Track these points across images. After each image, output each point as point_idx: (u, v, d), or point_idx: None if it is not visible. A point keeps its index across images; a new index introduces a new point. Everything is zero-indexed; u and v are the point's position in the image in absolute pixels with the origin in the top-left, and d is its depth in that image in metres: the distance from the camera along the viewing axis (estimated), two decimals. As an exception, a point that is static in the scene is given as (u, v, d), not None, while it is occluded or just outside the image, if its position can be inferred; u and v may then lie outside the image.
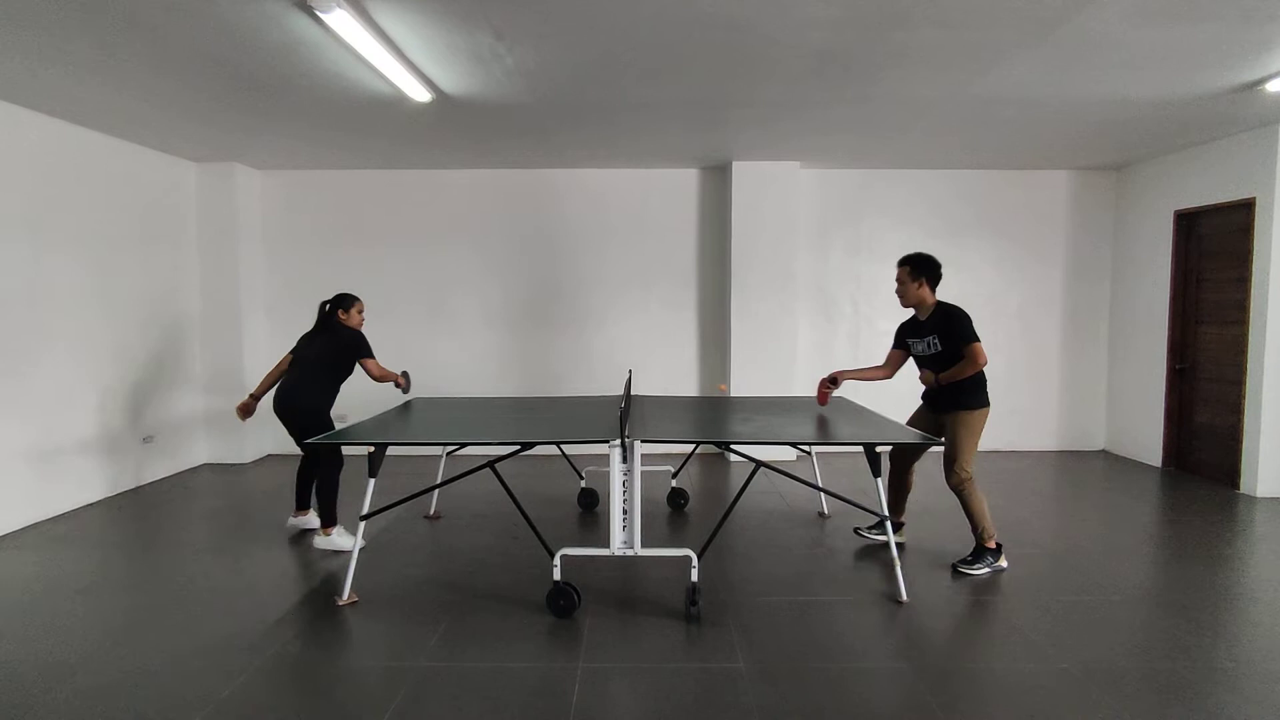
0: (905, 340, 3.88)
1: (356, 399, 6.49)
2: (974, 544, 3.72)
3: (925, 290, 3.71)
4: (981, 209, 6.49)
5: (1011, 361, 6.58)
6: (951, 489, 3.64)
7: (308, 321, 6.48)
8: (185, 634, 2.95)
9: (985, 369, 3.62)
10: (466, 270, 6.47)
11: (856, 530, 4.26)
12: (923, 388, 3.84)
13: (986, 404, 3.67)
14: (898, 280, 3.78)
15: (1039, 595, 3.32)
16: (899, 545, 3.98)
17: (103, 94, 4.11)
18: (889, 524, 3.35)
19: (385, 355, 6.50)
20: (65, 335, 4.71)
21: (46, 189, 4.58)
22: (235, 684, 2.55)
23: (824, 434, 3.41)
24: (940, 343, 3.65)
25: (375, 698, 2.46)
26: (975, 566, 3.61)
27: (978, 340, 3.56)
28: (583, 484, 4.86)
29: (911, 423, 3.89)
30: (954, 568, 3.65)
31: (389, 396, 6.46)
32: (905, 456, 4.02)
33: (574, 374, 6.54)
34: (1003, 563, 3.67)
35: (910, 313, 3.88)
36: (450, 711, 2.38)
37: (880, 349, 6.56)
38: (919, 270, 3.71)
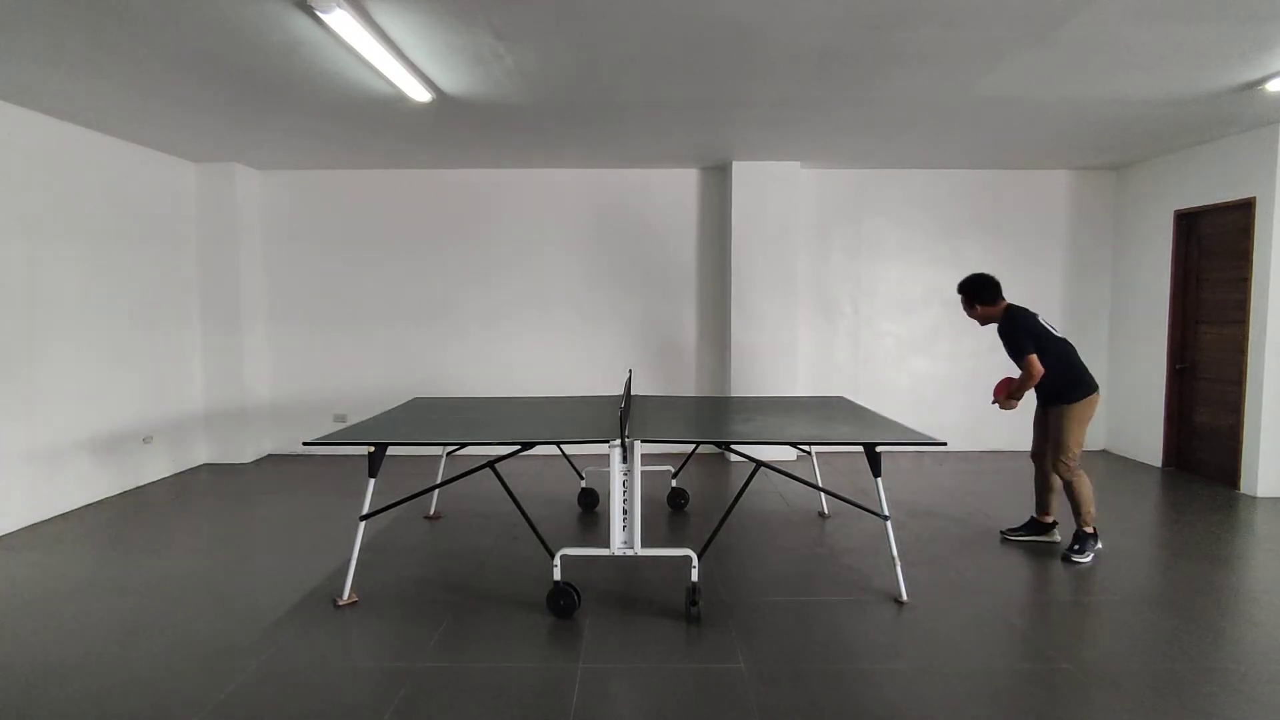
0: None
1: (357, 398, 6.51)
2: (1075, 531, 3.89)
3: (984, 309, 3.95)
4: (981, 209, 6.49)
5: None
6: (1059, 476, 3.87)
7: (308, 321, 6.51)
8: (185, 635, 2.95)
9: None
10: (466, 270, 6.47)
11: (1003, 535, 4.18)
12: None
13: (1085, 395, 3.82)
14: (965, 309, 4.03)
15: (1039, 595, 3.32)
16: (1051, 543, 4.07)
17: (102, 94, 4.11)
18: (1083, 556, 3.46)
19: (386, 356, 6.51)
20: (65, 335, 4.71)
21: (46, 189, 4.58)
22: (235, 684, 2.55)
23: (824, 434, 3.40)
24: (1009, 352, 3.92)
25: (375, 698, 2.46)
26: (1083, 555, 3.78)
27: (1031, 352, 3.76)
28: (583, 484, 4.85)
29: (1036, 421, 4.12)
30: (1065, 559, 3.80)
31: (389, 397, 6.47)
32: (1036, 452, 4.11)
33: (574, 374, 6.54)
34: (1099, 544, 3.91)
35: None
36: (450, 712, 2.38)
37: (880, 349, 6.57)
38: (975, 294, 3.95)
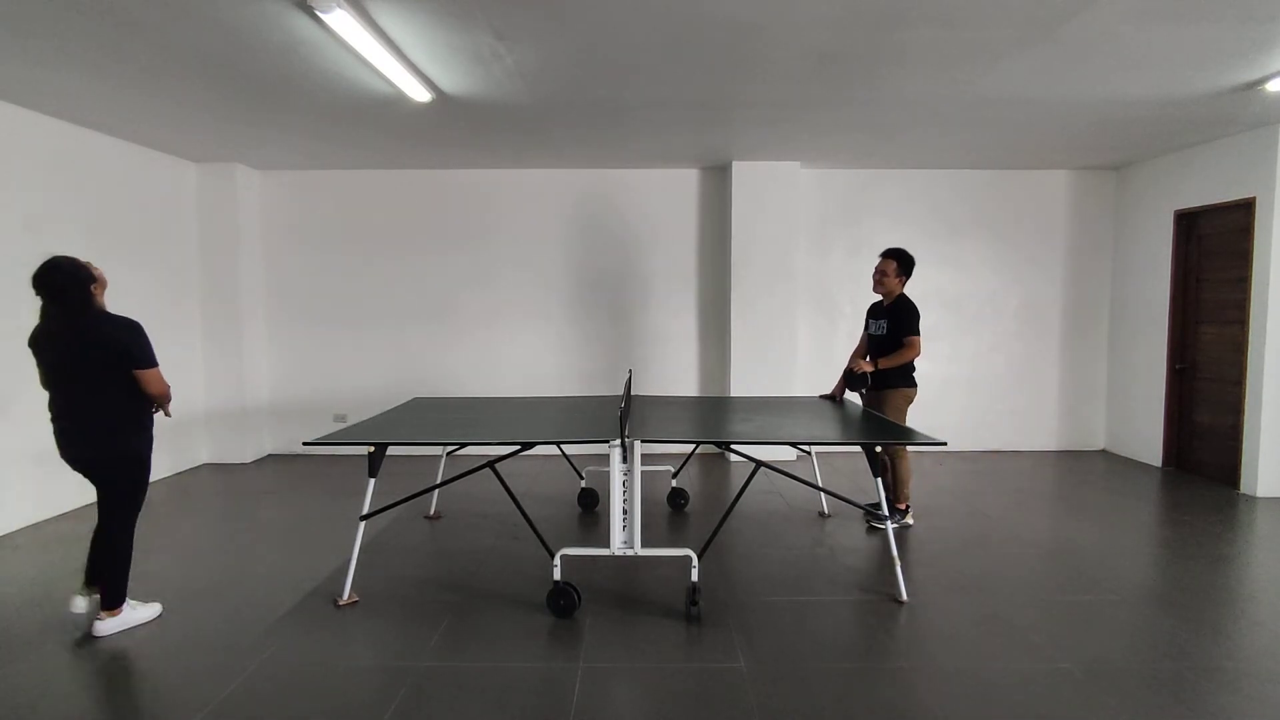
0: (867, 319, 4.57)
1: (357, 398, 6.51)
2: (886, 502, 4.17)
3: (899, 281, 4.36)
4: (981, 209, 6.49)
5: (1011, 361, 6.58)
6: (889, 455, 4.27)
7: (308, 321, 6.51)
8: (185, 634, 2.95)
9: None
10: (466, 271, 6.47)
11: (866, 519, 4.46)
12: (848, 367, 4.46)
13: (912, 384, 4.31)
14: (882, 271, 4.36)
15: (1039, 595, 3.32)
16: (907, 526, 4.34)
17: (103, 94, 4.11)
18: (888, 522, 3.38)
19: (386, 356, 6.51)
20: (65, 335, 4.71)
21: (48, 189, 4.58)
22: (236, 684, 2.55)
23: (824, 434, 3.40)
24: (887, 328, 4.32)
25: (376, 697, 2.46)
26: (883, 523, 4.02)
27: (918, 334, 4.24)
28: (583, 484, 4.86)
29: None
30: (870, 525, 4.34)
31: (389, 397, 6.46)
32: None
33: (574, 374, 6.54)
34: (909, 520, 4.34)
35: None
36: (450, 711, 2.38)
37: (880, 349, 6.57)
38: (905, 266, 4.36)
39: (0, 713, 2.39)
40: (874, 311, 4.50)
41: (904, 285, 4.36)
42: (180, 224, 5.90)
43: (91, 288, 2.90)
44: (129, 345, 2.86)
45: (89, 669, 2.66)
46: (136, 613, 3.02)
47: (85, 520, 4.52)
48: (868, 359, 4.35)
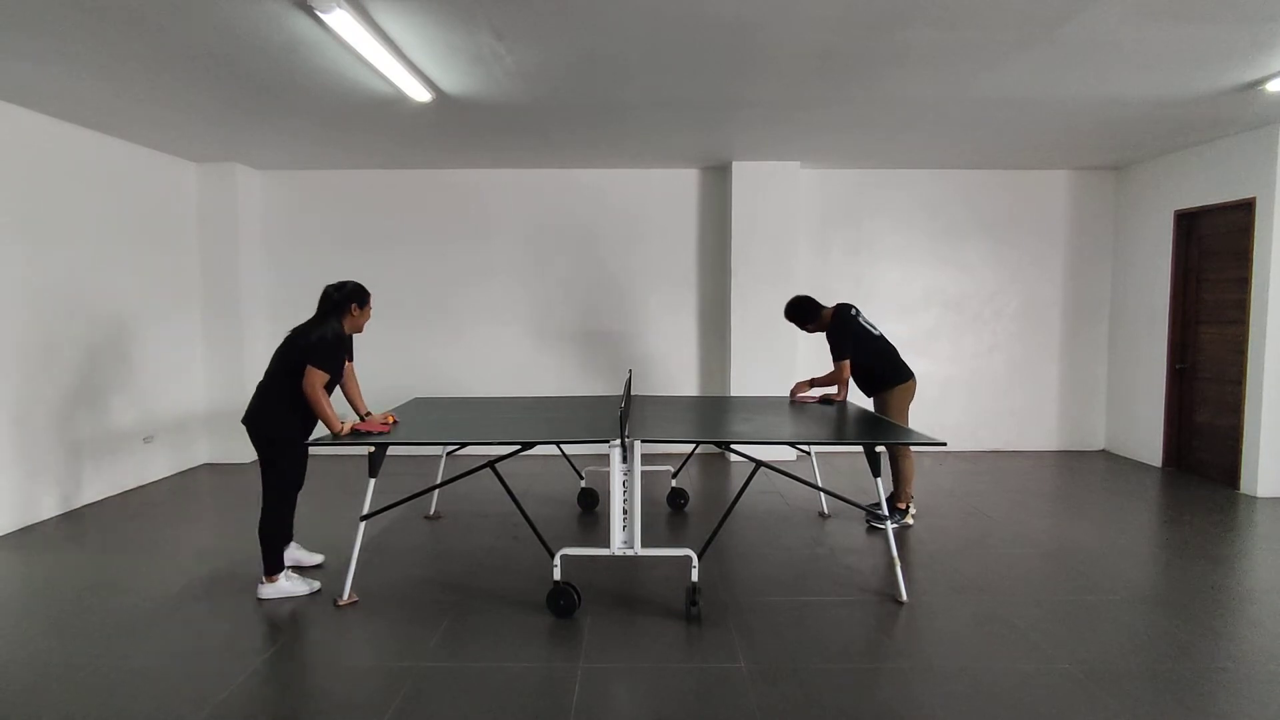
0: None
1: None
2: (887, 502, 4.07)
3: (814, 326, 4.43)
4: (981, 209, 6.49)
5: (1011, 361, 6.58)
6: (890, 453, 4.37)
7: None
8: (185, 634, 2.95)
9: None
10: (466, 270, 6.47)
11: (868, 522, 4.46)
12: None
13: (901, 382, 4.30)
14: (797, 329, 4.58)
15: (1039, 595, 3.32)
16: (908, 526, 4.35)
17: (103, 94, 4.11)
18: (888, 522, 3.37)
19: (386, 355, 6.50)
20: (65, 335, 4.71)
21: (47, 189, 4.58)
22: (235, 684, 2.55)
23: (824, 434, 3.41)
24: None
25: (375, 698, 2.46)
26: (883, 523, 4.00)
27: (845, 358, 4.26)
28: (583, 484, 4.85)
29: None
30: (869, 522, 4.39)
31: (389, 397, 6.46)
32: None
33: (574, 374, 6.54)
34: (909, 520, 4.36)
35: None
36: (450, 711, 2.38)
37: (880, 349, 6.57)
38: (805, 314, 4.41)
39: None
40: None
41: (823, 323, 4.39)
42: (180, 224, 5.90)
43: (352, 307, 3.39)
44: (304, 342, 3.26)
45: (88, 668, 2.66)
46: (292, 584, 3.33)
47: (85, 520, 4.52)
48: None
